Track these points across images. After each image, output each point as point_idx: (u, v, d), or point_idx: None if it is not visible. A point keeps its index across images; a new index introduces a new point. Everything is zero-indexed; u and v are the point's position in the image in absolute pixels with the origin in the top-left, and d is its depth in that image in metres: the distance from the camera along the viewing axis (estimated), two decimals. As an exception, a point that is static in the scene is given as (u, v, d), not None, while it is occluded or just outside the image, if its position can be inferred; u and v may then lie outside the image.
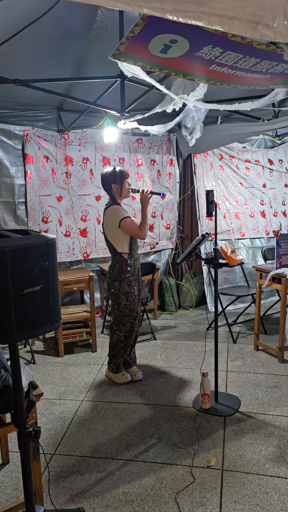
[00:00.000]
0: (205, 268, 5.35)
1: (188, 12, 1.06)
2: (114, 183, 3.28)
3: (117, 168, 3.28)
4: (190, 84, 2.43)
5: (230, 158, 5.59)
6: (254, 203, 5.75)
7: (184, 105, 2.85)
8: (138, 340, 4.28)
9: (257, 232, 5.74)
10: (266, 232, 5.80)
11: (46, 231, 4.55)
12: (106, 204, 3.36)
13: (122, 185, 3.27)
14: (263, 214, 5.81)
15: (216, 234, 3.07)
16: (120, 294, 3.30)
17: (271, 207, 5.87)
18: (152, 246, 5.42)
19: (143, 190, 3.25)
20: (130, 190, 3.31)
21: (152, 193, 3.26)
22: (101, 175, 3.40)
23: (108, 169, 3.32)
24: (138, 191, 3.29)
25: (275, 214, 5.90)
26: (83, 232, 4.88)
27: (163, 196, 3.32)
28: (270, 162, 5.86)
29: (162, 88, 2.34)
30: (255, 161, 5.73)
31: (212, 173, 5.47)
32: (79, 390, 3.39)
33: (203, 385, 2.98)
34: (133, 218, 3.30)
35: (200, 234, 5.02)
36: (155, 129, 3.53)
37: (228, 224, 5.50)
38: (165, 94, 2.53)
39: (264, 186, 5.81)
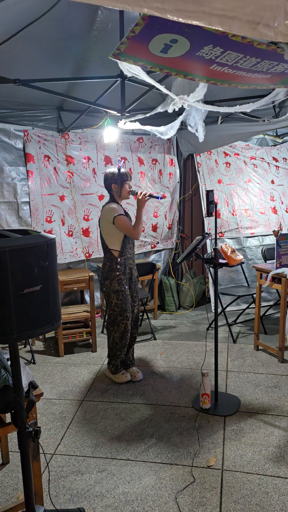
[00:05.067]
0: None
1: (188, 12, 1.06)
2: (114, 183, 3.32)
3: (122, 170, 3.29)
4: (189, 84, 2.43)
5: (236, 155, 5.57)
6: (265, 199, 5.70)
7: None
8: (138, 340, 4.29)
9: (268, 228, 5.65)
10: (279, 228, 5.74)
11: (50, 231, 4.54)
12: (106, 203, 3.38)
13: (121, 187, 3.30)
14: (274, 210, 5.75)
15: (216, 233, 3.07)
16: (111, 293, 3.32)
17: (282, 203, 5.80)
18: (153, 246, 5.42)
19: (141, 193, 3.27)
20: (129, 192, 3.33)
21: (151, 196, 3.26)
22: (103, 174, 3.43)
23: (112, 169, 3.34)
24: (136, 193, 3.30)
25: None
26: (86, 232, 4.87)
27: (163, 197, 3.33)
28: (275, 159, 5.85)
29: (162, 88, 2.34)
30: (260, 158, 5.72)
31: (218, 170, 5.45)
32: (79, 390, 3.39)
33: (203, 385, 2.98)
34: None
35: (201, 234, 5.01)
36: (161, 130, 3.51)
37: (236, 222, 5.44)
38: (166, 94, 2.53)
39: (272, 182, 5.77)
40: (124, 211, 3.37)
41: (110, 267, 3.31)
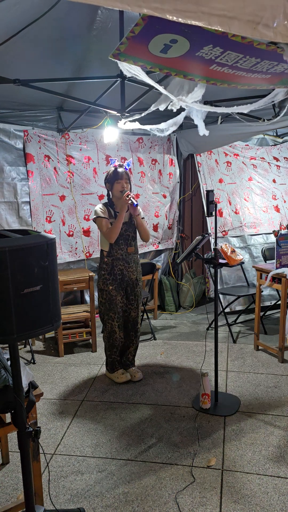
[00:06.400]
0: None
1: (187, 12, 1.06)
2: (107, 182, 3.37)
3: (119, 169, 3.29)
4: (188, 84, 2.42)
5: (235, 156, 5.57)
6: (267, 198, 5.68)
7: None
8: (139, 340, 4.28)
9: (272, 227, 5.61)
10: (282, 227, 5.71)
11: (49, 231, 4.54)
12: None
13: (112, 186, 3.32)
14: (277, 209, 5.73)
15: (216, 233, 3.07)
16: (98, 291, 3.43)
17: (284, 201, 5.79)
18: (155, 246, 5.43)
19: (127, 194, 3.21)
20: (121, 192, 3.28)
21: (130, 199, 3.19)
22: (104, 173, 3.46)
23: (111, 168, 3.35)
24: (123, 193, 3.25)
25: None
26: (86, 232, 4.87)
27: (136, 206, 3.27)
28: (276, 159, 5.83)
29: (160, 88, 2.34)
30: (260, 158, 5.71)
31: (219, 170, 5.44)
32: (79, 390, 3.39)
33: (203, 385, 2.98)
34: (109, 221, 3.27)
35: (201, 234, 4.99)
36: (162, 127, 3.47)
37: (240, 220, 5.42)
38: (161, 93, 2.52)
39: (274, 181, 5.76)
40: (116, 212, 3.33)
41: (100, 265, 3.43)
